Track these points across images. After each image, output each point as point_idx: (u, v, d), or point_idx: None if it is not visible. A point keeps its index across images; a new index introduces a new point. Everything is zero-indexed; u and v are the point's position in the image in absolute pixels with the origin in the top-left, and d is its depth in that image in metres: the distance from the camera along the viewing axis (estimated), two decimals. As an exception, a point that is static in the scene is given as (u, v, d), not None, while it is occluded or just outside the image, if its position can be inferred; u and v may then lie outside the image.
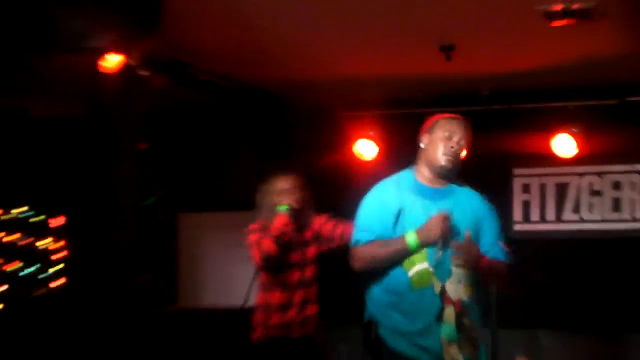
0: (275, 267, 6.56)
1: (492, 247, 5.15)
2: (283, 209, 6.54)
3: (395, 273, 4.98)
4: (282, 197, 6.62)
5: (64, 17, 6.52)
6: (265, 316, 6.64)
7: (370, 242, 5.04)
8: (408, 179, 5.13)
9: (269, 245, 6.45)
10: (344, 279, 5.43)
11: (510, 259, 5.25)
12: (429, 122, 5.21)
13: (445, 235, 4.89)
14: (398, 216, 5.01)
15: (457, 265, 4.91)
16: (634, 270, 9.16)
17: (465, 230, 4.99)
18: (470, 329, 4.97)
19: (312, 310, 6.69)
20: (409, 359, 4.95)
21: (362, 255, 5.06)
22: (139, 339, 7.95)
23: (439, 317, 4.91)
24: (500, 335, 8.44)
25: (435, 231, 4.87)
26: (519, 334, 9.20)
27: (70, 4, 6.50)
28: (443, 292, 4.91)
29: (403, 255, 4.93)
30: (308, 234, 6.72)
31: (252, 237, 6.61)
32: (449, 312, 4.91)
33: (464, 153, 5.09)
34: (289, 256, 6.60)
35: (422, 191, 5.07)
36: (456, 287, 4.93)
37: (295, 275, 6.63)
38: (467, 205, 5.13)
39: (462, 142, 5.06)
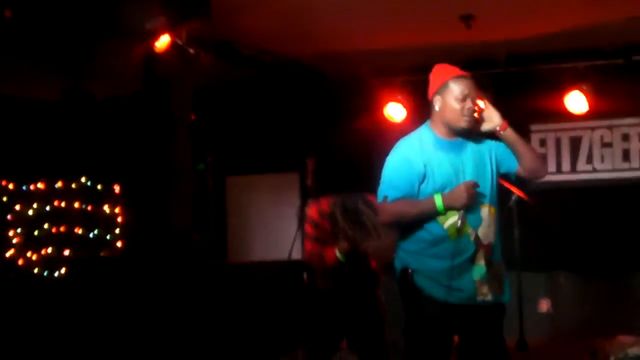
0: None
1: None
2: (339, 256, 6.29)
3: (431, 226, 5.07)
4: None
5: (122, 5, 7.06)
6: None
7: (398, 199, 5.07)
8: (428, 136, 5.14)
9: (332, 259, 6.32)
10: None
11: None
12: (436, 80, 5.19)
13: (472, 202, 4.97)
14: (425, 173, 5.04)
15: None
16: None
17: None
18: (497, 266, 5.14)
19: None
20: (442, 303, 5.06)
21: (390, 212, 5.12)
22: (195, 291, 8.08)
23: (472, 259, 5.05)
24: (522, 276, 8.51)
25: (463, 199, 4.94)
26: (540, 277, 9.50)
27: None
28: (477, 239, 5.05)
29: (430, 215, 5.02)
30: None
31: (308, 229, 6.63)
32: (481, 255, 5.06)
33: (477, 108, 5.11)
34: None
35: (443, 146, 5.10)
36: (487, 232, 5.07)
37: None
38: (483, 148, 5.20)
39: (475, 100, 5.10)
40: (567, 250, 9.61)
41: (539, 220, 9.01)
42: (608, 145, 9.86)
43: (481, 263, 5.08)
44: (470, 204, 4.98)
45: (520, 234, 8.59)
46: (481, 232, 5.08)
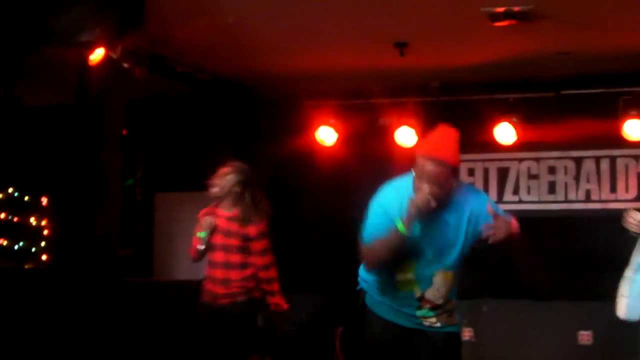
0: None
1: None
2: (200, 235, 6.97)
3: (384, 272, 5.11)
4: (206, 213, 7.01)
5: (57, 15, 6.92)
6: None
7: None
8: (407, 188, 4.99)
9: (194, 249, 7.00)
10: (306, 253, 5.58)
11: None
12: (419, 149, 5.07)
13: (427, 208, 4.82)
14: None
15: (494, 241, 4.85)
16: (565, 245, 9.56)
17: (479, 224, 4.97)
18: (446, 305, 5.13)
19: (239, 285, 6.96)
20: (391, 323, 5.14)
21: (368, 256, 5.08)
22: (117, 307, 8.20)
23: (416, 308, 5.10)
24: None
25: (418, 202, 4.80)
26: (462, 305, 9.40)
27: (62, 2, 6.92)
28: (422, 297, 5.07)
29: (400, 241, 4.88)
30: (252, 231, 6.97)
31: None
32: (424, 308, 5.10)
33: (446, 190, 4.92)
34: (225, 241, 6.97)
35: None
36: (435, 294, 5.07)
37: (220, 256, 6.99)
38: (465, 208, 5.05)
39: (444, 184, 4.89)
40: (490, 278, 9.61)
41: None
42: (534, 177, 9.98)
43: (425, 309, 5.13)
44: (427, 210, 4.84)
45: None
46: (429, 293, 5.10)
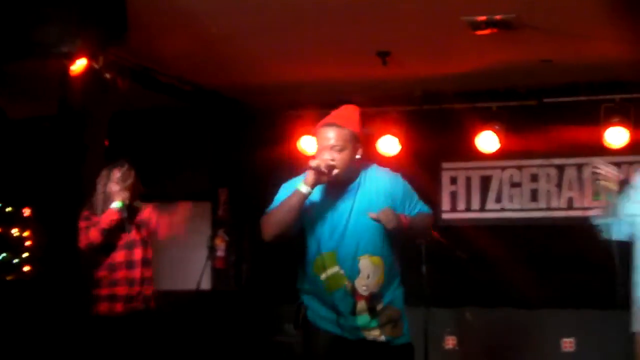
0: (99, 250, 7.02)
1: (413, 208, 5.15)
2: (117, 205, 7.01)
3: (310, 276, 5.06)
4: (117, 190, 7.05)
5: (39, 26, 6.89)
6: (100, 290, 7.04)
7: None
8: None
9: (95, 235, 6.96)
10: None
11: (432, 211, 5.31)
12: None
13: (325, 169, 4.82)
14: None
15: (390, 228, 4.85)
16: (548, 253, 9.66)
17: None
18: (387, 310, 5.06)
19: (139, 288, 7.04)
20: (333, 337, 5.05)
21: (266, 223, 4.99)
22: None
23: (353, 311, 5.00)
24: (431, 313, 8.36)
25: (314, 164, 4.83)
26: (446, 313, 9.45)
27: (43, 13, 6.86)
28: (354, 290, 4.97)
29: (299, 200, 4.84)
30: (137, 219, 7.15)
31: (82, 224, 7.06)
32: (362, 306, 5.00)
33: (343, 156, 4.93)
34: (117, 239, 7.05)
35: (327, 190, 5.03)
36: (366, 282, 4.97)
37: (121, 256, 7.05)
38: (380, 190, 5.05)
39: (339, 147, 4.93)
40: (474, 286, 9.70)
41: (447, 258, 9.04)
42: (517, 185, 10.00)
43: (364, 313, 5.03)
44: (327, 169, 4.84)
45: (428, 271, 8.49)
46: (359, 283, 4.99)
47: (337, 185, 5.01)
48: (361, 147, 5.08)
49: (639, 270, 5.51)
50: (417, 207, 5.20)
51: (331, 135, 4.97)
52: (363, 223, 4.98)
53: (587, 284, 9.25)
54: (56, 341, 7.89)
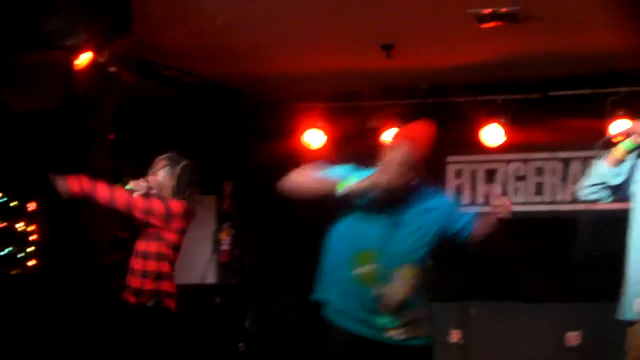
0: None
1: (460, 217, 5.19)
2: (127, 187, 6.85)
3: (341, 269, 4.96)
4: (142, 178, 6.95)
5: (44, 19, 6.96)
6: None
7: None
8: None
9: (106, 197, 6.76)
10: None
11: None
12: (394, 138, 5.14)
13: (382, 185, 4.76)
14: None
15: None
16: (553, 247, 9.55)
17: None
18: (411, 312, 4.94)
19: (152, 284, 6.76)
20: (352, 334, 4.92)
21: (295, 177, 5.04)
22: (107, 312, 7.93)
23: (377, 311, 4.88)
24: (436, 307, 7.97)
25: (374, 177, 4.76)
26: (450, 307, 9.46)
27: (49, 6, 6.93)
28: (380, 296, 4.86)
29: (327, 191, 4.82)
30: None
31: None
32: (387, 308, 4.88)
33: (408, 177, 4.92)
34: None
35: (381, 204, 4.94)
36: (396, 290, 4.87)
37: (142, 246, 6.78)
38: (429, 202, 5.06)
39: (408, 168, 4.92)
40: (479, 280, 9.68)
41: (452, 251, 9.02)
42: (522, 178, 9.99)
43: (387, 313, 4.92)
44: (378, 187, 4.78)
45: (433, 264, 8.52)
46: (388, 289, 4.89)
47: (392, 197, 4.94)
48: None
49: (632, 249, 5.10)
50: (464, 217, 5.21)
51: (404, 151, 4.93)
52: (412, 236, 4.97)
53: (592, 277, 9.21)
54: (64, 333, 7.89)
